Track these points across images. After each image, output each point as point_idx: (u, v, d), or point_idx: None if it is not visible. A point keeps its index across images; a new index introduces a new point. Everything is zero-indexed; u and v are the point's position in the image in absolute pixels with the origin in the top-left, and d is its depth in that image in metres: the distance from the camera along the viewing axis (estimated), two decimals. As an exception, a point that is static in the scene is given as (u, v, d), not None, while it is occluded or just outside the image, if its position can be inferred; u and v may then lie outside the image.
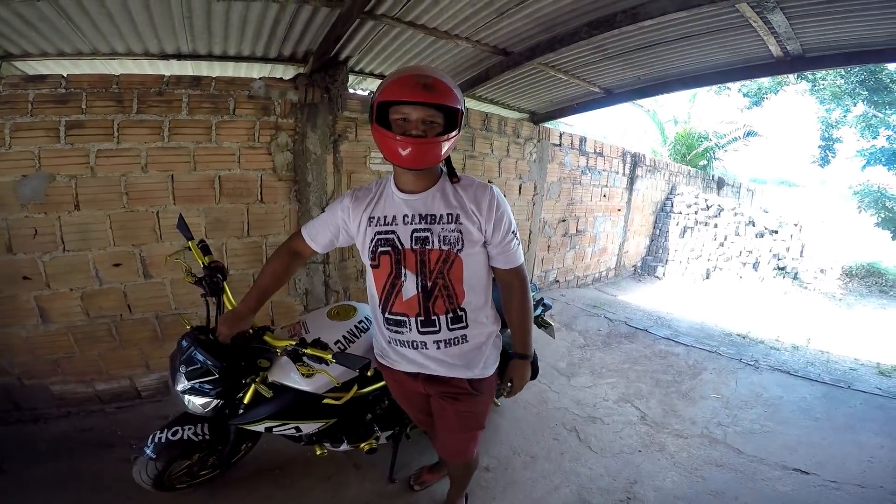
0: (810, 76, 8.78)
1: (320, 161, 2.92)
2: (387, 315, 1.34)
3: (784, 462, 2.47)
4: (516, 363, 1.47)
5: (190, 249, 1.69)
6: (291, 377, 1.57)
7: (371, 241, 1.31)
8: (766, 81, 9.75)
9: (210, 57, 2.93)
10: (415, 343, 1.34)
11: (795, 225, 7.77)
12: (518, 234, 1.37)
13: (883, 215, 9.08)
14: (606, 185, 6.04)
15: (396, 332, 1.35)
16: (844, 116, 9.13)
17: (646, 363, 3.78)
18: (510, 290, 1.41)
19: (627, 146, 6.73)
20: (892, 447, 2.62)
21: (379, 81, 3.66)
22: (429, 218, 1.27)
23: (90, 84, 2.24)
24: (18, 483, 1.98)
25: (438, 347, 1.34)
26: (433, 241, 1.26)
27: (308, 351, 1.36)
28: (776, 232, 7.49)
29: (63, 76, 2.20)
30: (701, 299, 6.28)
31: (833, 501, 2.18)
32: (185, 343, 1.52)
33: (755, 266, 7.32)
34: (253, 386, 1.55)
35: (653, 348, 4.12)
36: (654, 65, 3.59)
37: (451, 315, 1.31)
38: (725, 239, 7.47)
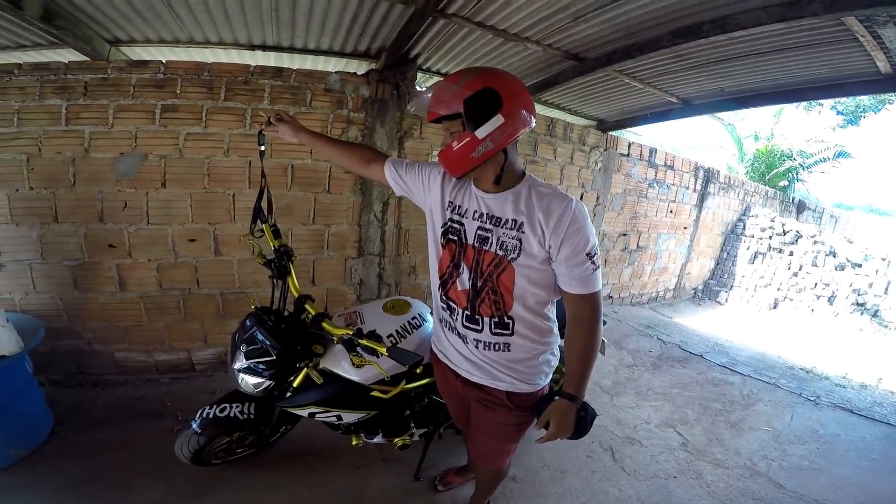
0: (920, 96, 7.90)
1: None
2: (442, 295, 1.38)
3: (824, 499, 2.32)
4: (560, 404, 1.25)
5: (263, 233, 1.75)
6: (342, 366, 1.60)
7: (443, 225, 1.36)
8: (865, 99, 8.93)
9: (291, 49, 3.05)
10: (458, 332, 1.36)
11: (883, 259, 7.01)
12: (597, 258, 1.21)
13: None
14: (674, 201, 5.76)
15: (447, 313, 1.39)
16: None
17: (696, 389, 3.60)
18: (577, 319, 1.25)
19: (700, 161, 6.37)
20: None
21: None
22: (494, 219, 1.25)
23: (185, 71, 2.43)
24: (64, 445, 2.11)
25: (478, 347, 1.33)
26: (491, 244, 1.24)
27: (363, 342, 1.36)
28: (859, 266, 6.81)
29: (162, 62, 2.40)
30: (765, 329, 5.86)
31: None
32: (248, 322, 1.57)
33: (830, 300, 6.70)
34: (305, 371, 1.58)
35: (706, 375, 3.92)
36: (740, 76, 3.34)
37: (496, 320, 1.28)
38: (801, 269, 6.88)
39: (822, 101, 9.64)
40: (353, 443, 1.88)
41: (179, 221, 2.57)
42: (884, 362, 5.08)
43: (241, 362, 1.53)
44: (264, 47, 3.02)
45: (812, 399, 3.59)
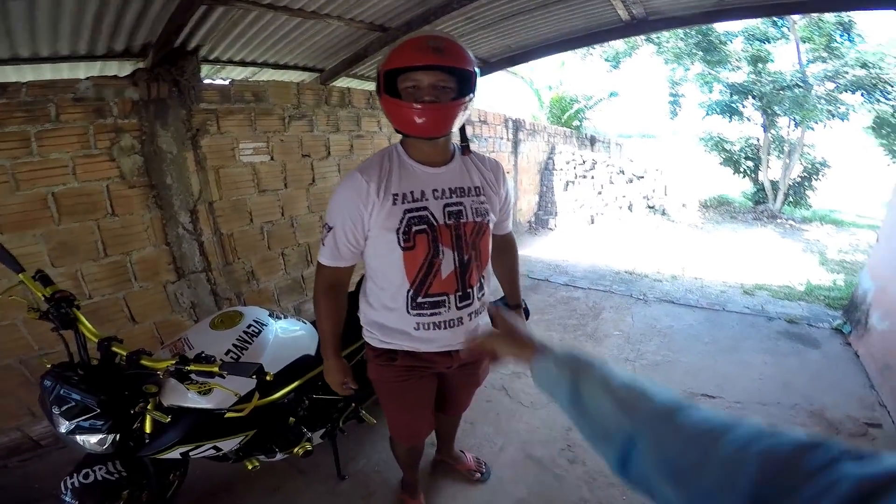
0: (656, 39, 9.82)
1: (178, 160, 2.62)
2: (421, 299, 1.25)
3: (691, 389, 2.76)
4: (519, 313, 1.63)
5: (23, 283, 1.44)
6: (188, 397, 1.45)
7: (402, 221, 1.19)
8: (621, 45, 10.68)
9: (16, 61, 2.45)
10: (451, 322, 1.29)
11: (657, 170, 8.86)
12: None
13: (723, 156, 10.70)
14: (493, 151, 6.26)
15: (433, 314, 1.27)
16: (686, 74, 10.48)
17: (552, 311, 4.05)
18: (507, 251, 1.58)
19: (510, 113, 7.02)
20: (773, 363, 3.06)
21: (240, 69, 3.40)
22: (459, 191, 1.25)
23: None
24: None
25: (471, 319, 1.33)
26: (467, 214, 1.24)
27: (192, 367, 1.26)
28: (642, 177, 8.47)
29: None
30: (590, 244, 6.85)
31: None
32: (47, 383, 1.35)
33: (630, 208, 8.21)
34: (147, 414, 1.41)
35: (555, 296, 4.45)
36: (521, 33, 3.76)
37: (478, 284, 1.32)
38: (602, 188, 8.26)
39: (591, 51, 11.32)
40: (249, 467, 1.72)
41: None
42: (681, 252, 6.37)
43: (64, 425, 1.34)
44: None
45: (641, 298, 4.30)
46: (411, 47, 1.07)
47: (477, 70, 1.14)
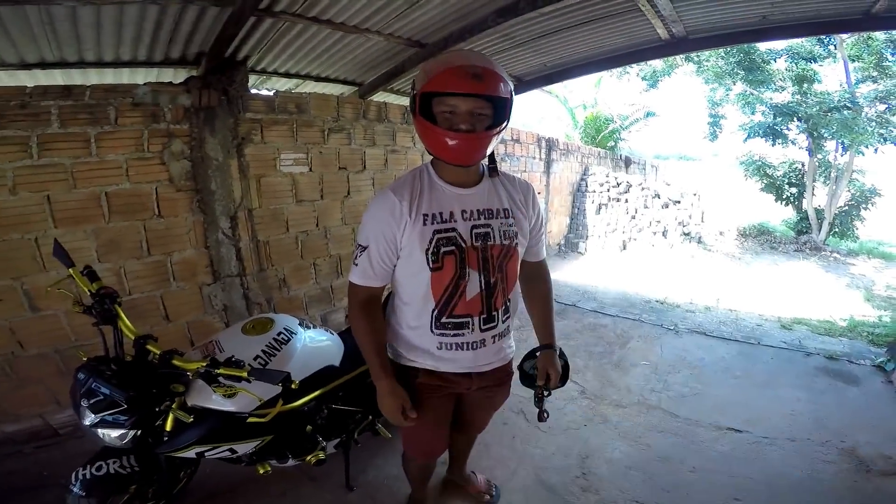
0: (696, 58, 9.53)
1: (223, 167, 2.73)
2: (445, 319, 1.24)
3: (717, 423, 2.66)
4: (550, 354, 1.44)
5: (72, 277, 1.52)
6: (213, 399, 1.48)
7: (431, 242, 1.18)
8: (659, 65, 10.49)
9: (82, 64, 2.63)
10: (474, 343, 1.28)
11: (694, 194, 8.61)
12: None
13: (765, 181, 10.25)
14: (525, 171, 6.25)
15: (455, 335, 1.26)
16: (727, 94, 10.09)
17: (578, 337, 3.97)
18: (539, 281, 1.49)
19: (542, 132, 7.02)
20: (807, 399, 2.93)
21: (284, 80, 3.54)
22: (486, 213, 1.24)
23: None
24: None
25: (495, 342, 1.32)
26: (494, 237, 1.23)
27: (221, 371, 1.29)
28: (679, 202, 8.23)
29: None
30: (620, 270, 6.72)
31: (771, 456, 2.37)
32: (81, 376, 1.39)
33: (664, 234, 7.99)
34: (171, 412, 1.44)
35: (582, 322, 4.36)
36: (558, 51, 3.75)
37: (503, 307, 1.30)
38: (636, 212, 8.07)
39: (628, 70, 11.20)
40: (261, 472, 1.74)
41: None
42: (716, 283, 6.17)
43: (90, 418, 1.37)
44: (43, 65, 2.55)
45: (672, 328, 4.18)
46: (451, 72, 1.05)
47: (513, 96, 1.13)
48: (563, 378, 1.49)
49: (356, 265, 1.24)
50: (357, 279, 1.25)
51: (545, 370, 1.43)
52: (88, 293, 1.50)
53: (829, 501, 2.07)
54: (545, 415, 1.45)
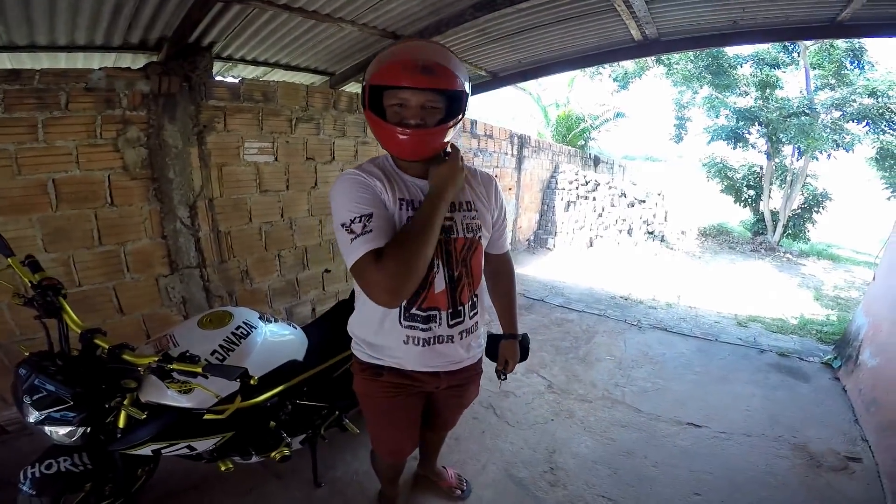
0: (666, 60, 9.83)
1: (183, 155, 2.63)
2: (414, 311, 1.19)
3: (678, 417, 2.75)
4: (510, 343, 1.54)
5: (12, 268, 1.44)
6: (167, 395, 1.43)
7: None
8: (630, 66, 10.73)
9: (33, 48, 2.47)
10: (441, 338, 1.24)
11: (659, 194, 8.90)
12: None
13: (725, 183, 10.68)
14: (497, 166, 6.30)
15: (424, 329, 1.22)
16: (694, 97, 10.50)
17: (545, 332, 4.04)
18: (502, 273, 1.51)
19: (515, 129, 7.07)
20: (762, 395, 3.06)
21: (251, 68, 3.43)
22: (449, 206, 1.16)
23: None
24: None
25: (462, 338, 1.29)
26: (457, 230, 1.20)
27: (175, 366, 1.25)
28: (644, 202, 8.49)
29: None
30: (587, 266, 6.88)
31: (728, 451, 2.46)
32: (23, 371, 1.33)
33: (630, 232, 8.22)
34: (122, 409, 1.40)
35: (549, 317, 4.43)
36: (533, 48, 3.78)
37: (470, 303, 1.28)
38: (603, 210, 8.28)
39: (601, 70, 11.41)
40: (222, 469, 1.70)
41: None
42: (677, 280, 6.39)
43: (34, 415, 1.31)
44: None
45: (635, 324, 4.30)
46: (401, 65, 1.00)
47: (468, 87, 1.10)
48: (523, 357, 1.60)
49: (369, 231, 1.02)
50: (378, 241, 1.02)
51: (504, 357, 1.55)
52: (30, 284, 1.42)
53: (784, 496, 2.17)
54: (502, 379, 1.62)
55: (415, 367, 1.29)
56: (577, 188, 8.21)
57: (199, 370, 1.22)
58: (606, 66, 10.58)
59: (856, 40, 8.24)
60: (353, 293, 1.46)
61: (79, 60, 2.78)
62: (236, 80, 2.97)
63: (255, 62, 3.32)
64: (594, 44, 3.70)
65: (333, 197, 1.12)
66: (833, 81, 8.87)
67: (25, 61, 2.66)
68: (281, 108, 3.10)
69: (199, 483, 1.99)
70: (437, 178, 1.11)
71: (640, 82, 11.24)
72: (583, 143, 12.33)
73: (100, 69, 2.31)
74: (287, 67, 3.51)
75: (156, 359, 1.27)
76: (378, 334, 1.26)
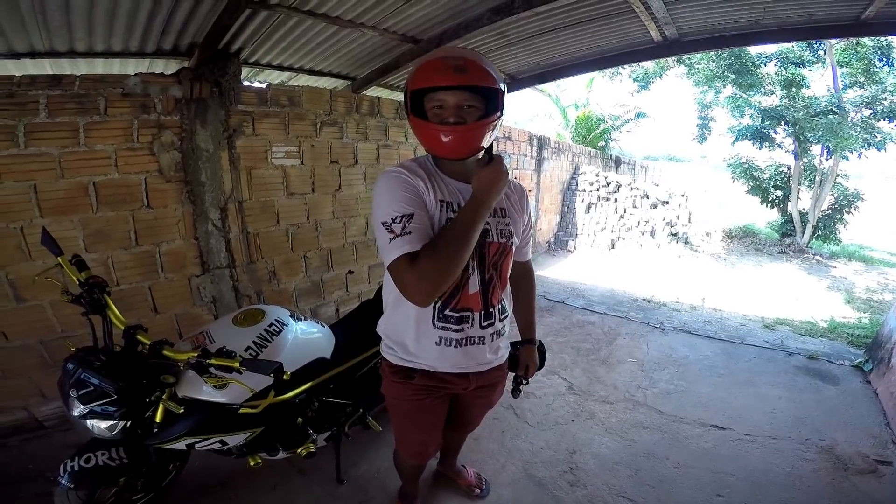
0: (687, 60, 9.63)
1: (214, 158, 2.72)
2: (448, 311, 1.22)
3: (701, 419, 2.71)
4: (529, 349, 1.57)
5: (61, 266, 1.51)
6: (203, 390, 1.48)
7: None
8: (651, 66, 10.56)
9: (72, 54, 2.57)
10: (472, 339, 1.27)
11: (682, 195, 8.72)
12: None
13: (751, 184, 10.36)
14: (517, 168, 6.29)
15: (456, 330, 1.24)
16: (717, 97, 10.25)
17: (566, 334, 4.02)
18: (524, 280, 1.55)
19: (534, 130, 7.05)
20: (788, 398, 2.99)
21: (277, 73, 3.51)
22: None
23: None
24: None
25: (493, 340, 1.32)
26: (493, 234, 1.23)
27: (213, 361, 1.30)
28: (667, 203, 8.33)
29: None
30: (609, 268, 6.81)
31: (752, 454, 2.42)
32: (70, 366, 1.39)
33: (652, 234, 8.09)
34: (161, 403, 1.45)
35: (570, 319, 4.41)
36: (551, 50, 3.76)
37: (500, 306, 1.31)
38: (625, 212, 8.16)
39: (620, 71, 11.28)
40: (252, 464, 1.75)
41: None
42: (702, 283, 6.27)
43: (78, 408, 1.37)
44: (33, 54, 2.50)
45: (658, 326, 4.24)
46: (433, 67, 1.06)
47: (504, 87, 1.12)
48: (540, 365, 1.63)
49: (408, 233, 1.04)
50: (416, 244, 1.04)
51: (524, 363, 1.56)
52: (77, 282, 1.49)
53: (808, 499, 2.12)
54: (518, 393, 1.63)
55: (446, 368, 1.30)
56: (597, 189, 8.13)
57: (237, 365, 1.27)
58: (626, 66, 10.43)
59: (883, 38, 7.95)
60: (378, 294, 1.49)
61: (114, 66, 2.89)
62: (263, 85, 3.05)
63: (280, 67, 3.39)
64: (613, 45, 3.67)
65: (376, 193, 1.14)
66: (862, 79, 8.55)
67: (65, 67, 2.77)
68: (306, 112, 3.18)
69: (225, 479, 2.05)
70: (481, 183, 1.10)
71: (661, 82, 11.07)
72: (603, 143, 12.21)
73: (135, 75, 2.41)
74: (311, 72, 3.58)
75: (195, 354, 1.32)
76: (411, 336, 1.28)
